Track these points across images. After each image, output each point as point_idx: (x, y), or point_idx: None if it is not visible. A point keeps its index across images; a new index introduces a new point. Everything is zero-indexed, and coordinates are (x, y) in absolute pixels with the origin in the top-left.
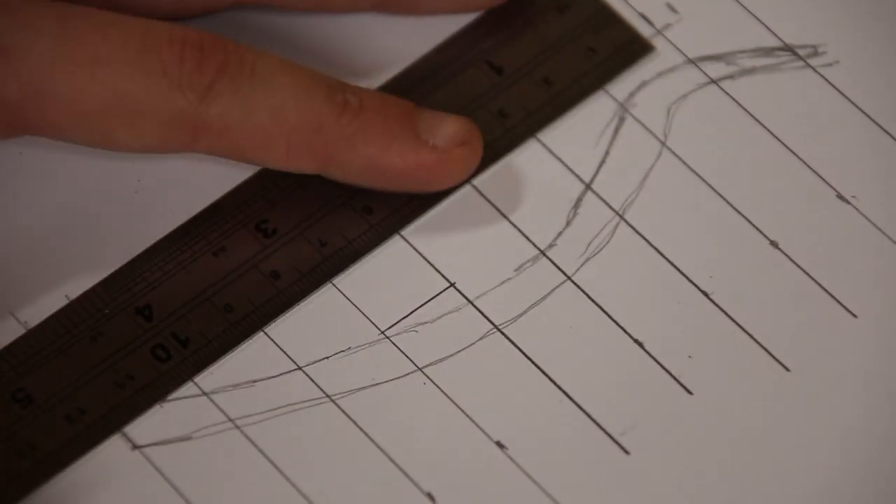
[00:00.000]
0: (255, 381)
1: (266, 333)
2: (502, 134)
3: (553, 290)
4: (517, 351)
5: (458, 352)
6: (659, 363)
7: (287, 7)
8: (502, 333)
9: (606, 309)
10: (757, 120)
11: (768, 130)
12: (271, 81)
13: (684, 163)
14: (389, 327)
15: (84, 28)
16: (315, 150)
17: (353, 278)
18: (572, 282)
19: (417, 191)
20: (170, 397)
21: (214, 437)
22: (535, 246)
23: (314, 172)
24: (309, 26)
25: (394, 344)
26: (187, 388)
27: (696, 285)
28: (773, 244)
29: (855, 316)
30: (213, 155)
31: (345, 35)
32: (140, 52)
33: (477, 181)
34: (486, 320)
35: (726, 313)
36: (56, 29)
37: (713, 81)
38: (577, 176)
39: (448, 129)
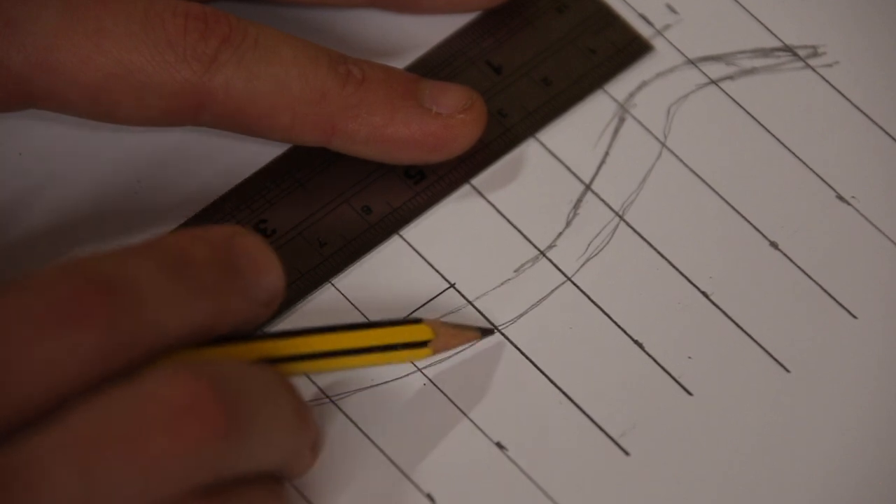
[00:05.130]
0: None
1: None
2: (501, 134)
3: (553, 290)
4: (517, 352)
5: (458, 352)
6: (659, 364)
7: (285, 1)
8: (502, 334)
9: (606, 310)
10: (757, 120)
11: (768, 131)
12: (274, 52)
13: (684, 163)
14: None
15: (88, 1)
16: (319, 120)
17: (353, 279)
18: (572, 282)
19: (423, 160)
20: None
21: None
22: (535, 247)
23: (319, 145)
24: (307, 22)
25: None
26: None
27: (696, 286)
28: (773, 245)
29: (855, 317)
30: (217, 127)
31: (343, 33)
32: (144, 24)
33: (476, 181)
34: (485, 321)
35: (726, 314)
36: (60, 2)
37: (713, 82)
38: (577, 176)
39: (451, 96)
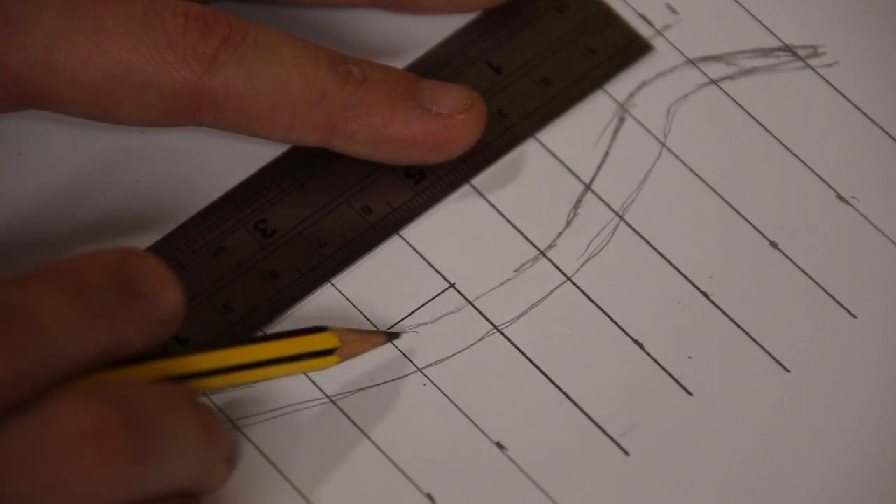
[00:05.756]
0: (255, 382)
1: (266, 334)
2: (501, 134)
3: (553, 290)
4: (517, 351)
5: (458, 352)
6: (659, 364)
7: (285, 1)
8: (502, 334)
9: (606, 310)
10: (757, 120)
11: (768, 131)
12: (274, 52)
13: (684, 163)
14: (389, 328)
15: (88, 1)
16: (319, 120)
17: (353, 278)
18: (572, 282)
19: (423, 160)
20: None
21: None
22: (535, 246)
23: (319, 145)
24: (307, 22)
25: (393, 345)
26: None
27: (696, 286)
28: (773, 244)
29: (855, 316)
30: (217, 127)
31: (343, 33)
32: (144, 25)
33: (476, 181)
34: (485, 321)
35: (726, 314)
36: (60, 2)
37: (713, 82)
38: (577, 176)
39: (451, 96)
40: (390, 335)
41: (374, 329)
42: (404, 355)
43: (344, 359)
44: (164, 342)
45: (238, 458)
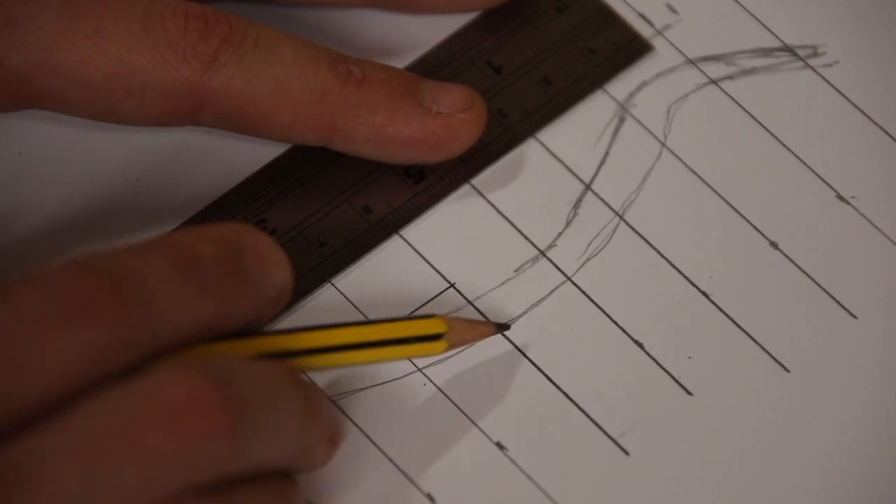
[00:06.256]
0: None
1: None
2: (501, 133)
3: (553, 290)
4: (517, 352)
5: (458, 352)
6: (659, 364)
7: (285, 1)
8: (502, 334)
9: (606, 310)
10: (757, 120)
11: (768, 131)
12: (274, 52)
13: (684, 163)
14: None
15: (88, 1)
16: (320, 120)
17: (353, 278)
18: (572, 282)
19: (423, 160)
20: None
21: None
22: (535, 246)
23: (319, 144)
24: (307, 22)
25: None
26: None
27: (696, 286)
28: (773, 244)
29: (855, 316)
30: (217, 127)
31: (343, 33)
32: (144, 24)
33: (476, 181)
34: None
35: (726, 314)
36: (60, 2)
37: (713, 82)
38: (577, 176)
39: (451, 96)
40: (500, 326)
41: (485, 319)
42: None
43: (451, 346)
44: (269, 319)
45: (342, 437)
